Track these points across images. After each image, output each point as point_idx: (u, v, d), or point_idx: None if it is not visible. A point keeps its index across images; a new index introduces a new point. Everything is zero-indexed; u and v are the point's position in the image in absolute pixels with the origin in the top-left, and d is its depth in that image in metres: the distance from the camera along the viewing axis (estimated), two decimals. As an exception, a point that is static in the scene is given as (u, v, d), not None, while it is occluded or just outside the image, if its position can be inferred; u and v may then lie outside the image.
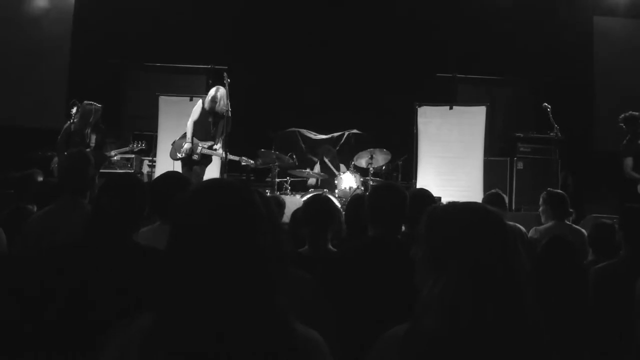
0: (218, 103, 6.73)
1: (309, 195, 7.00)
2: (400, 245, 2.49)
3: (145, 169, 7.99)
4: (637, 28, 9.51)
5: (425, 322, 1.32)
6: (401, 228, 2.64)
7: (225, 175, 7.08)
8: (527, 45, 9.09)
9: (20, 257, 2.71)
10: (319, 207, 3.03)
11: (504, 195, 4.56)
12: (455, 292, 1.30)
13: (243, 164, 6.99)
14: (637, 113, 6.62)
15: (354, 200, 3.66)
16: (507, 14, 9.03)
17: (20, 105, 9.08)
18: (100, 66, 9.02)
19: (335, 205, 3.19)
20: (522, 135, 8.25)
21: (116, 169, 7.57)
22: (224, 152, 6.48)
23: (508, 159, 8.32)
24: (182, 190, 2.90)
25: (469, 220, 1.38)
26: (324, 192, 7.40)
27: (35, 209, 4.01)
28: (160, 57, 9.31)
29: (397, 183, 2.85)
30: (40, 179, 4.14)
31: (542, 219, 4.49)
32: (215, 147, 6.85)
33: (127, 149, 7.07)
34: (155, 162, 8.05)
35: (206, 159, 6.99)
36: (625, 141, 6.64)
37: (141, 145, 7.11)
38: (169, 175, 3.04)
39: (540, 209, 4.48)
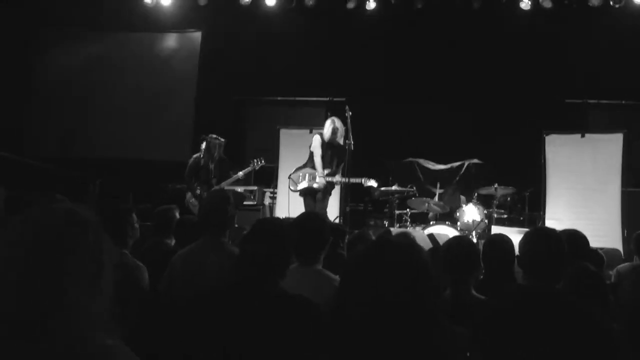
0: (336, 134, 6.79)
1: (433, 230, 6.79)
2: (560, 298, 2.28)
3: (267, 201, 8.15)
4: None
5: None
6: (560, 278, 2.42)
7: (347, 208, 7.08)
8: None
9: (171, 302, 2.78)
10: (461, 251, 2.89)
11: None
12: None
13: (366, 185, 6.84)
14: None
15: (495, 242, 3.45)
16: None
17: (150, 140, 9.69)
18: (224, 102, 9.43)
19: (477, 249, 3.03)
20: (665, 164, 7.56)
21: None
22: (346, 179, 6.59)
23: (649, 190, 7.65)
24: (321, 232, 2.90)
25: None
26: (446, 224, 7.18)
27: (173, 242, 4.16)
28: (280, 91, 9.58)
29: (553, 229, 2.66)
30: (178, 214, 4.28)
31: None
32: (335, 178, 6.84)
33: (249, 168, 7.15)
34: (276, 193, 8.19)
35: (327, 189, 6.96)
36: None
37: (261, 162, 7.17)
38: (307, 216, 3.02)
39: None
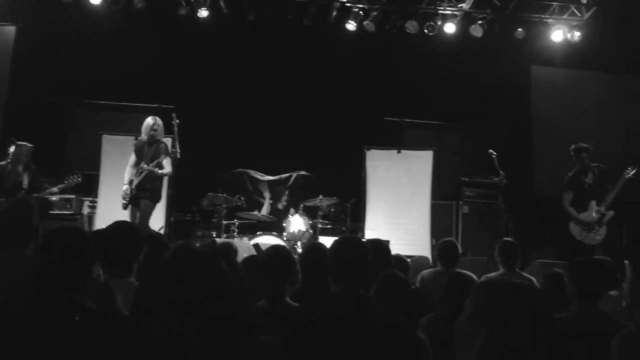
0: (158, 131, 6.56)
1: (259, 240, 6.87)
2: (365, 302, 2.44)
3: (86, 210, 7.65)
4: (571, 77, 9.94)
5: None
6: (366, 283, 2.57)
7: (172, 219, 6.89)
8: (471, 91, 9.37)
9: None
10: (279, 260, 2.95)
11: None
12: None
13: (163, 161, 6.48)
14: (585, 145, 6.77)
15: (311, 251, 3.58)
16: (452, 61, 9.29)
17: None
18: (40, 104, 8.69)
19: (294, 258, 3.11)
20: (467, 179, 8.43)
21: (55, 210, 7.23)
22: (146, 164, 6.36)
23: (454, 202, 8.46)
24: (132, 243, 2.79)
25: None
26: (272, 234, 7.31)
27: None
28: (104, 95, 9.08)
29: (358, 237, 2.89)
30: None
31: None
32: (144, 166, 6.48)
33: (63, 185, 6.65)
34: (96, 202, 7.72)
35: (153, 196, 6.57)
36: (570, 174, 6.81)
37: (77, 179, 6.70)
38: (117, 226, 2.89)
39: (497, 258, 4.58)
